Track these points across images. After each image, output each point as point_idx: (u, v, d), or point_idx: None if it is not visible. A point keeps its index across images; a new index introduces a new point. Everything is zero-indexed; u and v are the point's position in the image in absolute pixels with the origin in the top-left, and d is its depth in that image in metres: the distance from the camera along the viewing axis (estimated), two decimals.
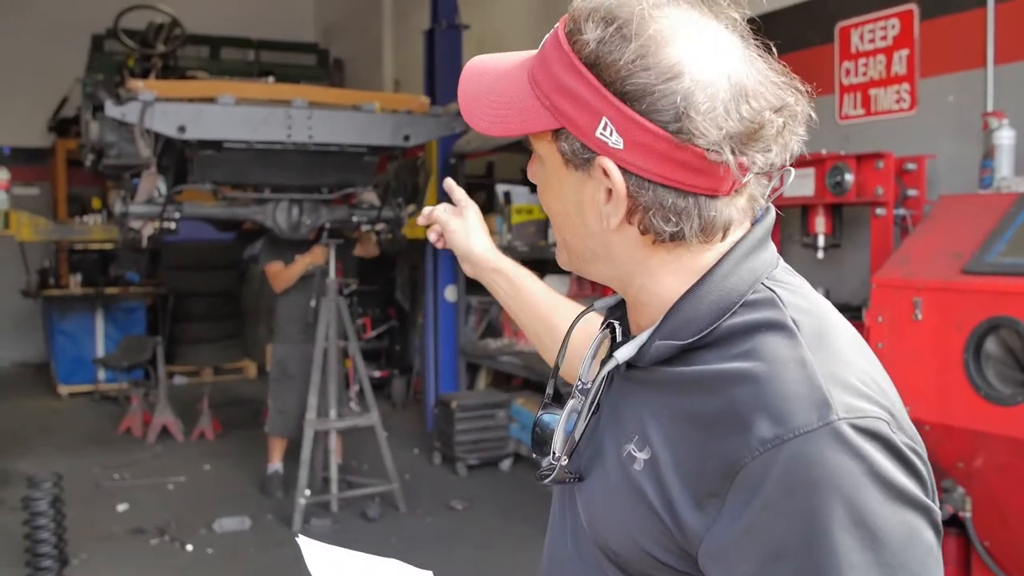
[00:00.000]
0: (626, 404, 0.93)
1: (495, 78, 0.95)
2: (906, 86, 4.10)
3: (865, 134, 4.25)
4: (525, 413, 5.97)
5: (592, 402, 0.94)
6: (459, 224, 1.46)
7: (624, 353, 0.91)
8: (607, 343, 1.02)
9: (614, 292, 1.05)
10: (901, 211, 3.75)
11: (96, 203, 9.58)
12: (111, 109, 4.61)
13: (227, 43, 9.51)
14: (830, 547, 0.76)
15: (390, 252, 7.89)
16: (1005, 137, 3.40)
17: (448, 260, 6.92)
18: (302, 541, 1.05)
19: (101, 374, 8.73)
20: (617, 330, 0.99)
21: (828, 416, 0.79)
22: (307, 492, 4.99)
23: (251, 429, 7.01)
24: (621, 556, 0.90)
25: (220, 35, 9.32)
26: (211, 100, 4.80)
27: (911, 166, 3.77)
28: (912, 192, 3.76)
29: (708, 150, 0.83)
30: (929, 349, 2.91)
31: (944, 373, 2.86)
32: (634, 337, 0.94)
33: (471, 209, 1.49)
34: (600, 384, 0.93)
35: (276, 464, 5.56)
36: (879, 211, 3.75)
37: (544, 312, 1.40)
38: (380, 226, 5.61)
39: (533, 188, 5.97)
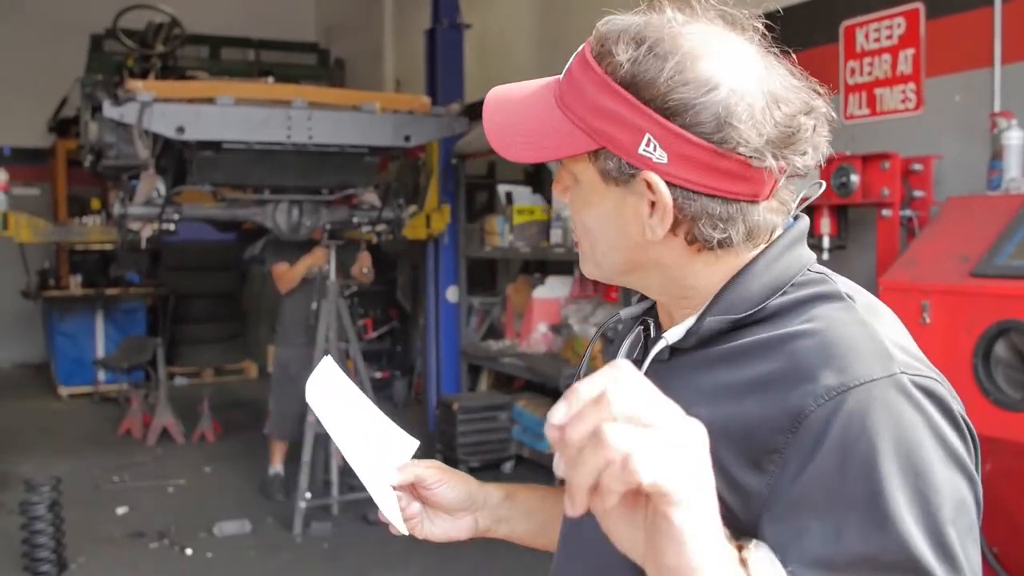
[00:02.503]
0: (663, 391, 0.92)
1: (521, 107, 0.97)
2: (912, 86, 4.06)
3: (871, 134, 4.21)
4: (527, 415, 5.93)
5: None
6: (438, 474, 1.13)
7: (674, 334, 0.93)
8: (629, 342, 1.04)
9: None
10: (907, 212, 3.71)
11: (95, 204, 9.55)
12: (109, 110, 4.58)
13: (227, 43, 9.48)
14: (890, 495, 0.77)
15: (391, 253, 7.87)
16: (1014, 138, 3.36)
17: (450, 261, 6.89)
18: (326, 361, 1.11)
19: (101, 375, 8.70)
20: (651, 327, 1.01)
21: (891, 368, 0.82)
22: (308, 495, 4.95)
23: (252, 431, 6.97)
24: None
25: (220, 35, 9.30)
26: (210, 101, 4.76)
27: (917, 167, 3.73)
28: (918, 193, 3.72)
29: (751, 157, 0.86)
30: (937, 353, 2.86)
31: (953, 377, 2.77)
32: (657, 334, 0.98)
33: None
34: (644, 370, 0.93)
35: (277, 466, 5.53)
36: (885, 212, 3.71)
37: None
38: (381, 227, 5.57)
39: (535, 189, 5.90)
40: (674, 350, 0.95)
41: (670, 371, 0.94)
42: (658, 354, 0.95)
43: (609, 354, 1.09)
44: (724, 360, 0.90)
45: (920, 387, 0.82)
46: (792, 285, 0.92)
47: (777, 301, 0.91)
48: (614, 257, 0.96)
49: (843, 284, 0.93)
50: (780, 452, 0.82)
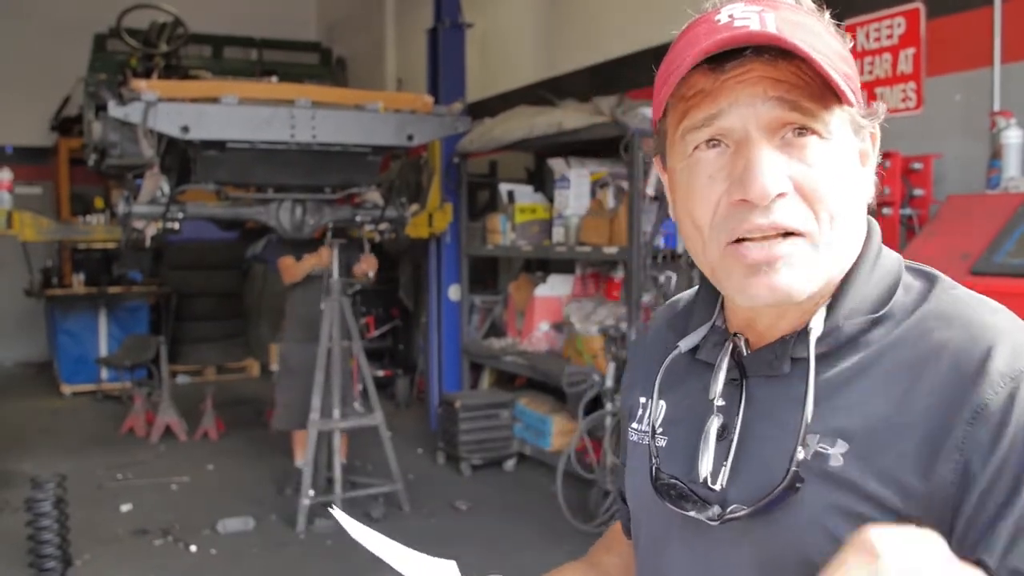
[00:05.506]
0: (785, 408, 0.87)
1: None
2: (912, 85, 4.08)
3: None
4: (529, 413, 5.96)
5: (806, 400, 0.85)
6: None
7: (817, 326, 0.86)
8: (724, 370, 0.95)
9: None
10: (907, 211, 3.73)
11: (99, 202, 9.58)
12: (114, 109, 4.60)
13: (230, 42, 9.51)
14: None
15: (393, 252, 7.89)
16: (1013, 136, 3.38)
17: (452, 259, 6.91)
18: (337, 513, 1.05)
19: (104, 373, 8.73)
20: (741, 343, 0.93)
21: None
22: (311, 492, 4.98)
23: (255, 428, 7.01)
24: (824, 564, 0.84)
25: (223, 34, 9.33)
26: (214, 100, 4.78)
27: (917, 165, 3.75)
28: (918, 192, 3.74)
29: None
30: None
31: None
32: (762, 346, 0.91)
33: None
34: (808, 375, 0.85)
35: (300, 459, 5.40)
36: (885, 211, 3.73)
37: None
38: (383, 225, 5.60)
39: (537, 187, 5.86)
40: (792, 360, 0.87)
41: (778, 386, 0.88)
42: (770, 368, 0.89)
43: (685, 384, 0.98)
44: (866, 365, 0.85)
45: None
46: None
47: (900, 297, 0.87)
48: (852, 228, 0.87)
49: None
50: (960, 450, 0.79)
